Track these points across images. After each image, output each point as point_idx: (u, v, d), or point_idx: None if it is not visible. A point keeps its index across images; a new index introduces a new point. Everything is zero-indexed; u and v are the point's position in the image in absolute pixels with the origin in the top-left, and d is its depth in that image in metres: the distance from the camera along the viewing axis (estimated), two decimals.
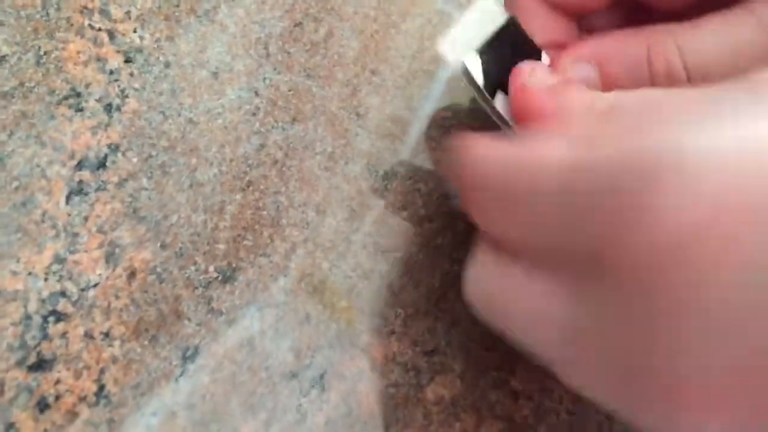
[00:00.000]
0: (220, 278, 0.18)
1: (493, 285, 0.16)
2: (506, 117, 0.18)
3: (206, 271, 0.18)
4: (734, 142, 0.11)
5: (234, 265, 0.19)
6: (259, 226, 0.19)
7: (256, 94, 0.21)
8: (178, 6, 0.22)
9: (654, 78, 0.17)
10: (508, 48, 0.18)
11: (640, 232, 0.12)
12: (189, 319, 0.18)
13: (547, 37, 0.19)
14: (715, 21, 0.17)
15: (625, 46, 0.18)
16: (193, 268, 0.18)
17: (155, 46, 0.21)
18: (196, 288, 0.18)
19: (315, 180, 0.20)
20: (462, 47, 0.18)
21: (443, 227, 0.21)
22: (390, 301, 0.19)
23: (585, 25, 0.21)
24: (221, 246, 0.19)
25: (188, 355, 0.17)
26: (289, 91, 0.21)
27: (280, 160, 0.20)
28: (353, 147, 0.21)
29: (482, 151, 0.15)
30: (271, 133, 0.21)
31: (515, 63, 0.18)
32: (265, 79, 0.21)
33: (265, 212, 0.19)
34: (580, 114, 0.15)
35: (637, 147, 0.12)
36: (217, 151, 0.20)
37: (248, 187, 0.20)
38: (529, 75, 0.17)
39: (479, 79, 0.18)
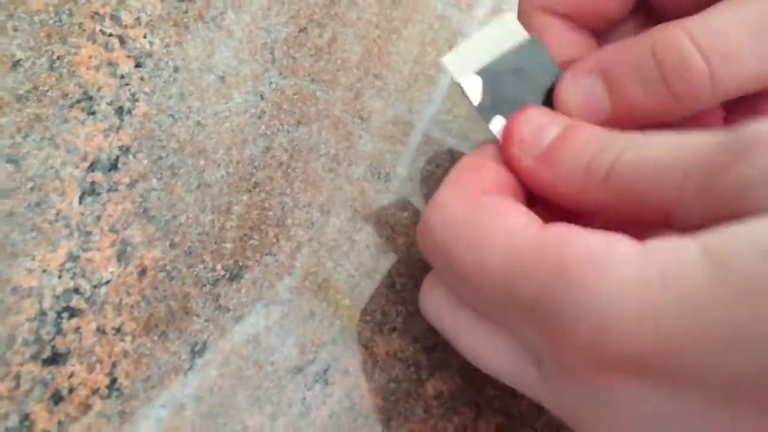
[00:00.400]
0: (227, 276, 0.19)
1: (443, 310, 0.17)
2: (500, 142, 0.17)
3: (214, 270, 0.19)
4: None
5: (241, 264, 0.19)
6: (265, 225, 0.20)
7: (262, 97, 0.22)
8: (186, 12, 0.22)
9: (666, 75, 0.16)
10: (524, 69, 0.17)
11: (569, 351, 0.13)
12: (197, 316, 0.18)
13: (564, 56, 0.18)
14: (726, 3, 0.16)
15: (627, 48, 0.17)
16: (201, 266, 0.19)
17: (164, 51, 0.22)
18: (204, 285, 0.19)
19: (319, 181, 0.21)
20: (466, 63, 0.17)
21: None
22: (392, 298, 0.20)
23: (606, 41, 0.20)
24: (228, 245, 0.19)
25: (197, 350, 0.18)
26: (294, 95, 0.22)
27: (286, 162, 0.21)
28: (356, 149, 0.22)
29: (441, 216, 0.15)
30: (276, 136, 0.21)
31: (532, 86, 0.17)
32: (270, 83, 0.22)
33: (270, 212, 0.20)
34: (572, 185, 0.15)
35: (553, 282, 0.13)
36: (225, 153, 0.21)
37: (254, 188, 0.20)
38: (520, 142, 0.16)
39: (475, 99, 0.17)
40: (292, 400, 0.18)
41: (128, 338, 0.17)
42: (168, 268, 0.19)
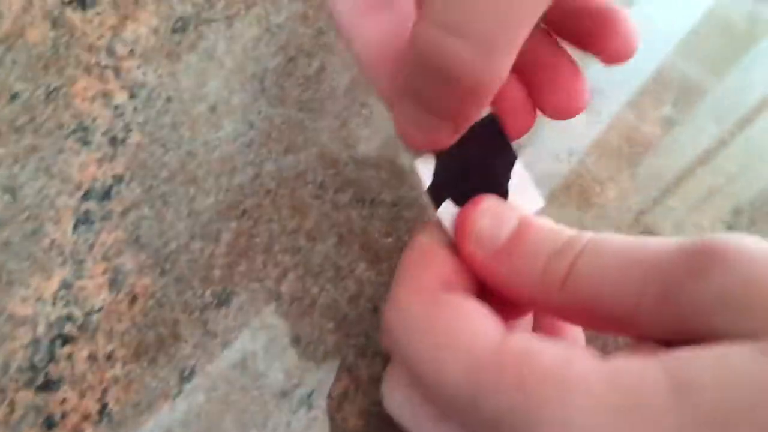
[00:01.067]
0: (215, 302, 0.19)
1: (406, 409, 0.16)
2: (448, 229, 0.16)
3: (202, 296, 0.20)
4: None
5: (229, 290, 0.20)
6: (252, 252, 0.20)
7: (251, 126, 0.22)
8: (179, 44, 0.23)
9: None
10: (479, 151, 0.17)
11: None
12: (186, 341, 0.19)
13: None
14: None
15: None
16: (190, 292, 0.19)
17: (158, 81, 0.22)
18: (193, 312, 0.19)
19: (306, 208, 0.21)
20: None
21: None
22: (375, 323, 0.21)
23: None
24: (217, 271, 0.20)
25: (185, 376, 0.18)
26: (283, 123, 0.23)
27: (273, 189, 0.21)
28: (342, 176, 0.22)
29: (405, 314, 0.15)
30: (264, 164, 0.22)
31: (483, 166, 0.17)
32: (259, 112, 0.23)
33: (258, 239, 0.21)
34: (529, 287, 0.15)
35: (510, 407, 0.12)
36: (214, 181, 0.21)
37: (243, 215, 0.21)
38: (475, 238, 0.16)
39: (426, 180, 0.16)
40: (277, 424, 0.18)
41: (119, 364, 0.18)
42: (158, 295, 0.19)
